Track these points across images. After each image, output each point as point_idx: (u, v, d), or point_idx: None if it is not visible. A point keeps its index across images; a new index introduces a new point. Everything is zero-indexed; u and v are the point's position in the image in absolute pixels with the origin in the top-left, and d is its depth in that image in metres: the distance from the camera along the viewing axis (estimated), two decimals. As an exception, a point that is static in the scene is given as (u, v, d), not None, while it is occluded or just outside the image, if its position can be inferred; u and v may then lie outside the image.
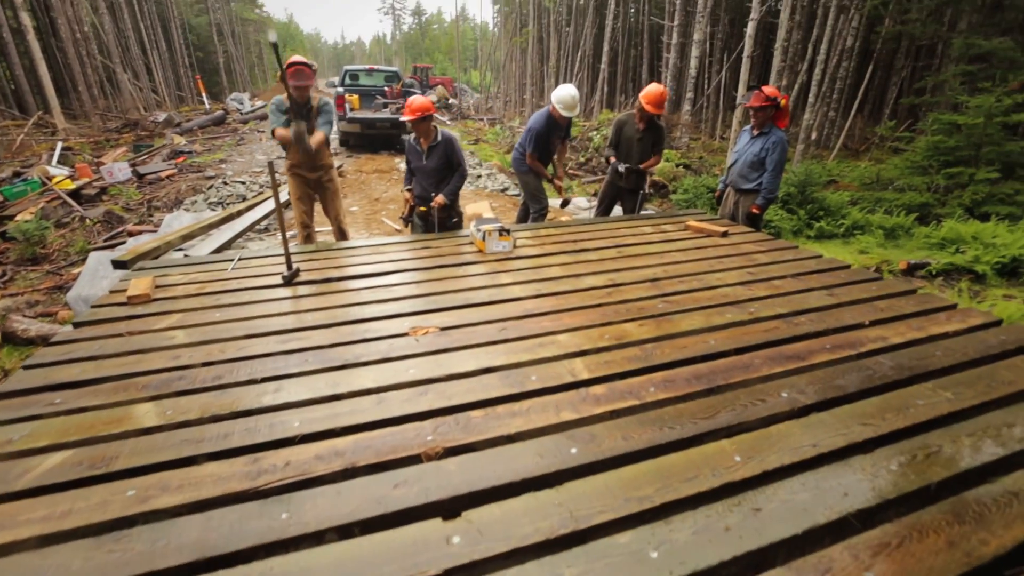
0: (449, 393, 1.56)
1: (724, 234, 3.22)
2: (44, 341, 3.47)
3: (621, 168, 4.01)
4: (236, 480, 1.19)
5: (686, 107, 13.05)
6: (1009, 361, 1.73)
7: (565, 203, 4.66)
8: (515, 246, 2.96)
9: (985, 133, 7.73)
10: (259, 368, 1.71)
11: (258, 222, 5.39)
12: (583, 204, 6.93)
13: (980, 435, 1.36)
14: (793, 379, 1.67)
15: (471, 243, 3.09)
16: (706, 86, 16.37)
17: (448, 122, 22.04)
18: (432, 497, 1.13)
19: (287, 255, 2.49)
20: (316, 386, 1.61)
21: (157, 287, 2.44)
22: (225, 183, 7.34)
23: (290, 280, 2.47)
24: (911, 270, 6.09)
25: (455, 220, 3.65)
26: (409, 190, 3.63)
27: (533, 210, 4.38)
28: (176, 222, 5.39)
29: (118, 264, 3.77)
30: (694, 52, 12.22)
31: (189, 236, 4.65)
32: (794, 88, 11.42)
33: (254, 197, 6.81)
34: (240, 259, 2.84)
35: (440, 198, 3.41)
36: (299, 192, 3.75)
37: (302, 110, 3.56)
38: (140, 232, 5.48)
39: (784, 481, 1.20)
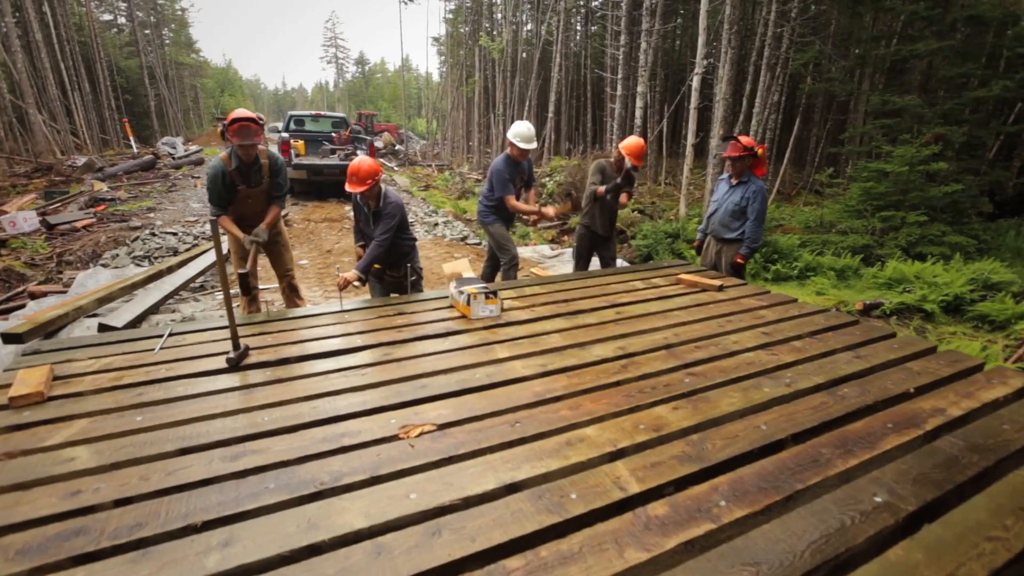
0: (471, 531, 1.16)
1: (720, 288, 3.05)
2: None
3: (607, 187, 3.86)
4: None
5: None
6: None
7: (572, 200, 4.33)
8: (503, 309, 2.62)
9: (909, 180, 8.38)
10: (198, 504, 1.24)
11: (193, 279, 4.76)
12: (547, 252, 6.76)
13: None
14: (875, 474, 1.41)
15: (450, 306, 2.72)
16: (648, 135, 17.19)
17: (396, 168, 21.86)
18: None
19: (233, 331, 2.02)
20: (283, 530, 1.16)
21: (56, 379, 1.89)
22: (153, 234, 6.59)
23: (237, 363, 1.99)
24: (867, 310, 6.29)
25: (414, 279, 3.30)
26: (362, 246, 3.29)
27: (503, 261, 4.10)
28: (91, 281, 4.66)
29: (9, 338, 3.10)
30: (638, 103, 12.80)
31: (107, 299, 3.97)
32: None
33: (187, 251, 6.13)
34: (171, 334, 2.32)
35: (350, 275, 2.93)
36: (242, 251, 3.27)
37: (250, 172, 3.14)
38: (44, 294, 4.68)
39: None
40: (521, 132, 3.79)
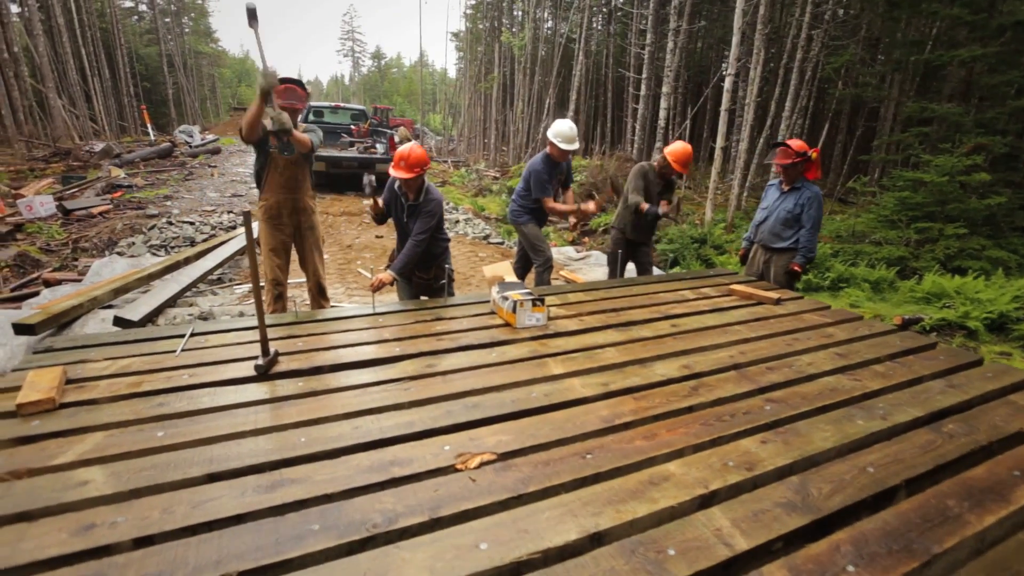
0: (559, 599, 0.96)
1: (777, 301, 2.82)
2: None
3: (661, 212, 3.63)
4: None
5: (656, 156, 13.28)
6: None
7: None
8: (549, 318, 2.42)
9: (947, 190, 8.05)
10: (232, 548, 1.05)
11: (211, 272, 4.61)
12: (572, 254, 6.54)
13: None
14: (1021, 536, 1.20)
15: (491, 312, 2.53)
16: (671, 136, 16.90)
17: (412, 163, 21.66)
18: None
19: (263, 334, 1.83)
20: (332, 588, 0.97)
21: (69, 383, 1.71)
22: (170, 223, 6.47)
23: (267, 370, 1.81)
24: (905, 325, 5.99)
25: (444, 281, 3.08)
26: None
27: (537, 263, 3.89)
28: (107, 269, 4.52)
29: (21, 329, 2.95)
30: (663, 104, 12.53)
31: (123, 289, 3.82)
32: (759, 143, 11.83)
33: (205, 241, 5.99)
34: (192, 334, 2.14)
35: (385, 275, 2.73)
36: (273, 242, 3.09)
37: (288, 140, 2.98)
38: (59, 282, 4.55)
39: None
40: (563, 132, 3.56)
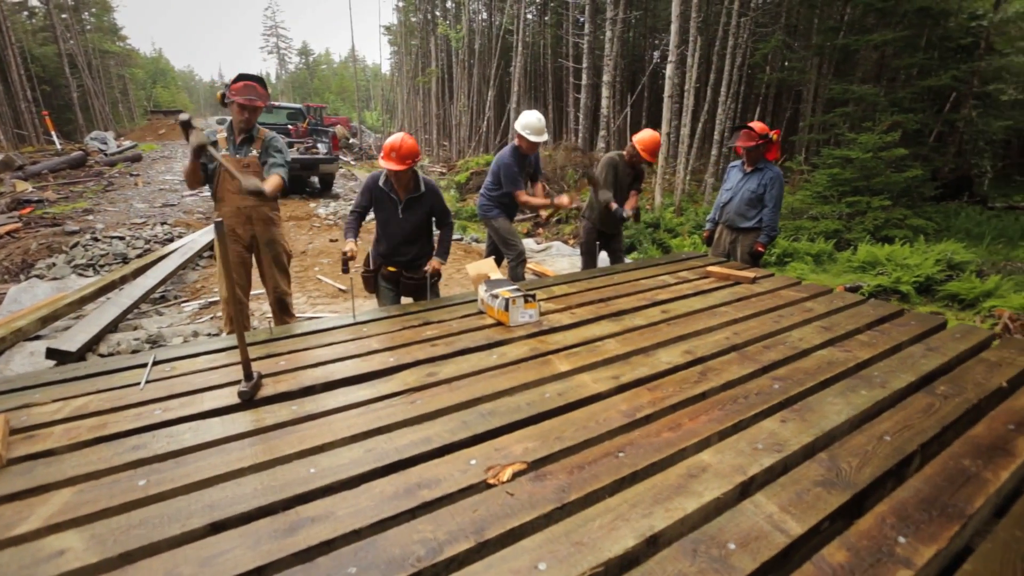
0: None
1: (754, 280, 2.90)
2: None
3: (626, 215, 3.61)
4: None
5: (600, 144, 13.47)
6: None
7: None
8: (540, 313, 2.35)
9: (872, 166, 8.67)
10: (258, 607, 0.92)
11: (153, 290, 4.20)
12: (533, 245, 6.51)
13: None
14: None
15: (479, 312, 2.43)
16: (613, 124, 17.24)
17: (352, 162, 21.00)
18: None
19: (245, 358, 1.65)
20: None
21: (14, 433, 1.47)
22: (96, 239, 5.86)
23: (252, 396, 1.64)
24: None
25: (435, 279, 2.97)
26: (353, 245, 2.81)
27: (509, 257, 3.82)
28: (26, 296, 4.03)
29: (-66, 373, 2.55)
30: (604, 93, 12.72)
31: (52, 317, 3.40)
32: (698, 128, 12.26)
33: (140, 257, 5.47)
34: (155, 363, 1.91)
35: (436, 262, 2.81)
36: (232, 257, 2.83)
37: (241, 141, 2.75)
38: (-31, 313, 3.99)
39: None
40: (531, 123, 3.49)
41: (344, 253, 2.68)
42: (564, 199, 3.53)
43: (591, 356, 1.95)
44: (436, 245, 2.97)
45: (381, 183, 2.80)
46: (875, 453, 1.39)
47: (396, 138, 2.64)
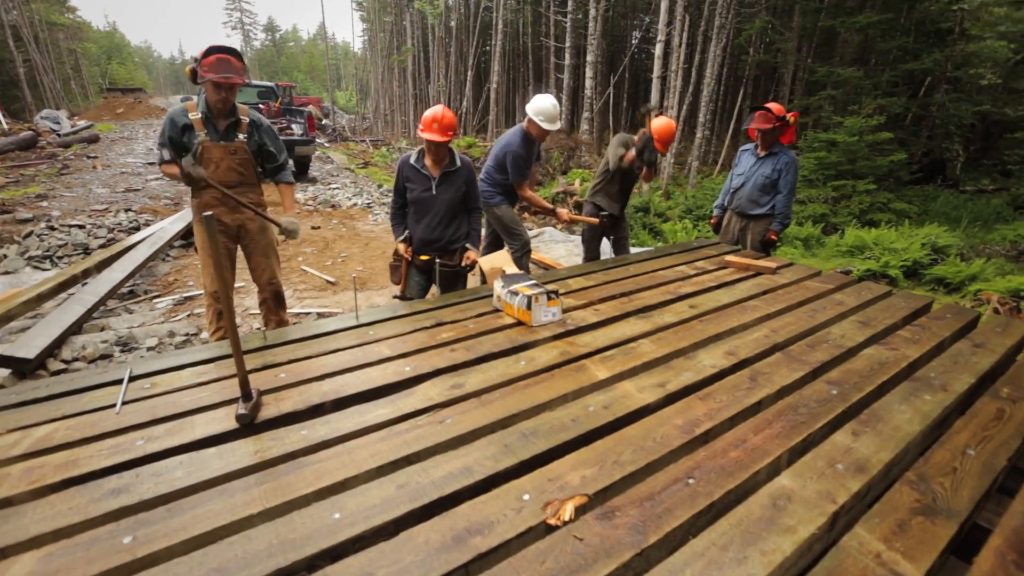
0: None
1: (776, 270, 2.77)
2: None
3: (638, 148, 3.49)
4: None
5: (584, 126, 13.24)
6: None
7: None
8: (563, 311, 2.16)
9: (857, 150, 8.71)
10: None
11: (121, 284, 3.84)
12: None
13: None
14: None
15: (495, 310, 2.23)
16: (596, 104, 17.00)
17: (327, 143, 20.26)
18: None
19: (242, 373, 1.42)
20: None
21: (-35, 474, 1.21)
22: (52, 227, 5.38)
23: (252, 419, 1.41)
24: (839, 278, 6.47)
25: (469, 266, 2.82)
26: (403, 240, 2.76)
27: (513, 248, 3.61)
28: (-25, 293, 3.62)
29: None
30: (588, 73, 12.45)
31: (5, 317, 3.05)
32: (683, 110, 12.13)
33: (103, 247, 5.04)
34: (132, 377, 1.66)
35: (473, 253, 2.69)
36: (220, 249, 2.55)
37: (219, 123, 2.48)
38: (-91, 313, 3.56)
39: None
40: (546, 109, 3.24)
41: (395, 253, 2.72)
42: (564, 213, 3.53)
43: (628, 360, 1.77)
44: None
45: (412, 161, 2.69)
46: (966, 471, 1.26)
47: (437, 110, 2.54)
